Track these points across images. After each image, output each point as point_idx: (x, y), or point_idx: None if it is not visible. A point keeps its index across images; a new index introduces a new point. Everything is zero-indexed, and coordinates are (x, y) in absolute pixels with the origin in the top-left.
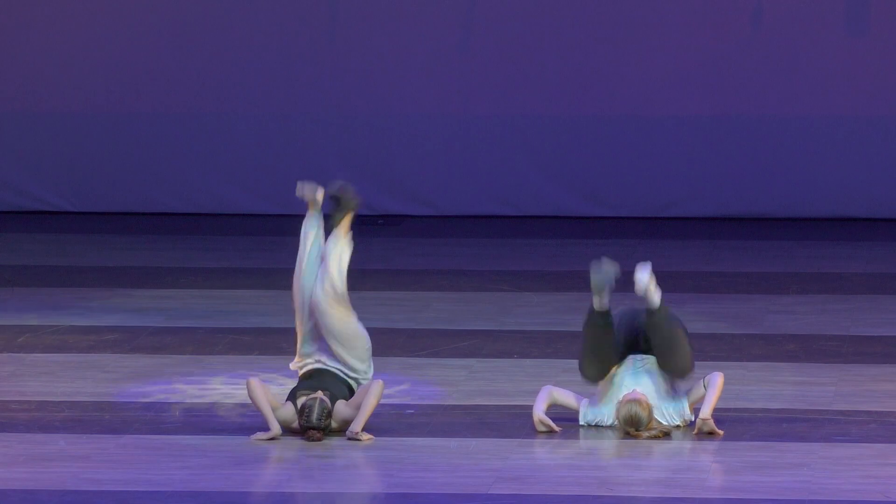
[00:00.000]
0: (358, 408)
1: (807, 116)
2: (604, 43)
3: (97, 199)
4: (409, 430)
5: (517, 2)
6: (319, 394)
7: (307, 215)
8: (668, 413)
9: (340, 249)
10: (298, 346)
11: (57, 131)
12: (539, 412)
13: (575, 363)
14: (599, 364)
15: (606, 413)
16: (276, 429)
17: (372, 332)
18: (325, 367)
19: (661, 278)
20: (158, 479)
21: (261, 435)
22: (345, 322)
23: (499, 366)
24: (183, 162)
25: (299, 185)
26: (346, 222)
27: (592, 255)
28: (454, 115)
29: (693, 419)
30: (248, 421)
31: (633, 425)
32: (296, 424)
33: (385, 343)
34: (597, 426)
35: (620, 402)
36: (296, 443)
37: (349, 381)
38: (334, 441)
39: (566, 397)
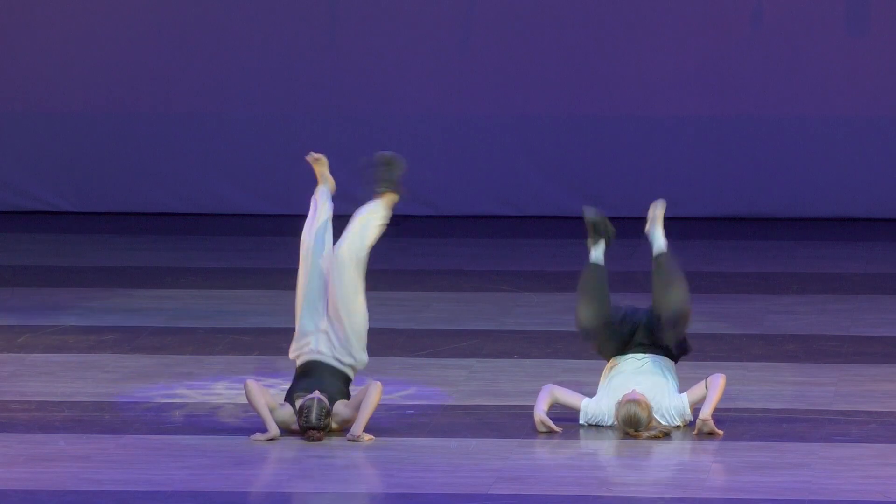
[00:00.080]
0: (356, 408)
1: (807, 116)
2: (604, 43)
3: (97, 199)
4: (409, 430)
5: (517, 2)
6: (317, 393)
7: (318, 188)
8: (668, 413)
9: (377, 221)
10: (297, 320)
11: (57, 131)
12: (540, 412)
13: (575, 363)
14: (593, 309)
15: (606, 412)
16: (274, 430)
17: (372, 332)
18: (321, 358)
19: None
20: (158, 479)
21: (259, 436)
22: (354, 288)
23: (499, 366)
24: (183, 162)
25: (311, 155)
26: (388, 200)
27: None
28: (454, 115)
29: (693, 420)
30: (248, 421)
31: (632, 426)
32: (295, 426)
33: (385, 343)
34: (597, 426)
35: (619, 403)
36: (296, 443)
37: (345, 370)
38: (334, 441)
39: (568, 396)
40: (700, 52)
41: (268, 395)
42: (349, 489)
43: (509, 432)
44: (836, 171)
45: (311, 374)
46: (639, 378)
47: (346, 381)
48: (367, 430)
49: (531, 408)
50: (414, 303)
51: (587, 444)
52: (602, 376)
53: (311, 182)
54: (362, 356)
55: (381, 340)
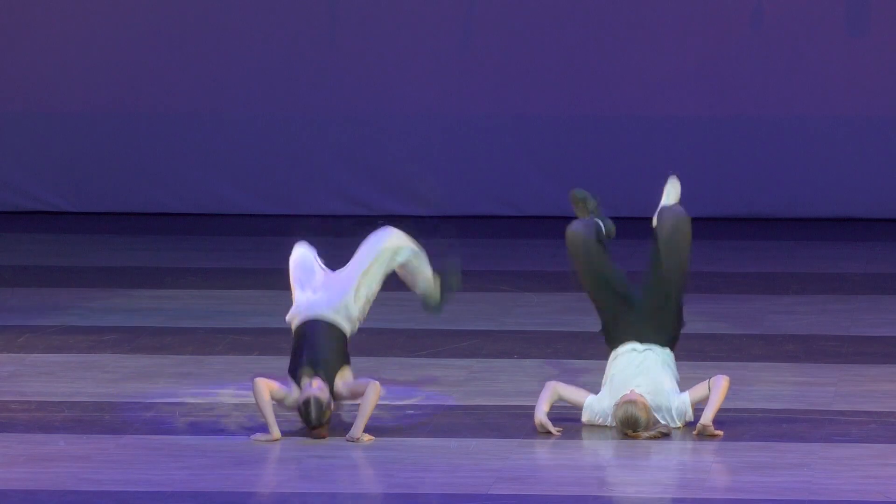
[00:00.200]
0: (356, 394)
1: (807, 116)
2: (604, 43)
3: (97, 199)
4: (409, 430)
5: (517, 2)
6: (314, 387)
7: None
8: (669, 415)
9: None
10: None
11: (57, 131)
12: (540, 415)
13: (576, 363)
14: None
15: (609, 412)
16: (275, 433)
17: (372, 332)
18: (318, 317)
19: None
20: (158, 479)
21: (260, 436)
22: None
23: (499, 366)
24: (183, 162)
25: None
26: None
27: None
28: (454, 115)
29: (695, 421)
30: (249, 421)
31: (630, 427)
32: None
33: (385, 343)
34: (600, 424)
35: (617, 405)
36: (296, 443)
37: (341, 324)
38: (334, 441)
39: (572, 393)
40: (700, 52)
41: (275, 389)
42: (349, 489)
43: (509, 432)
44: (836, 171)
45: (308, 338)
46: (638, 379)
47: (344, 340)
48: (366, 430)
49: (531, 408)
50: (414, 303)
51: (587, 444)
52: (606, 370)
53: (311, 182)
54: (358, 310)
55: (381, 340)
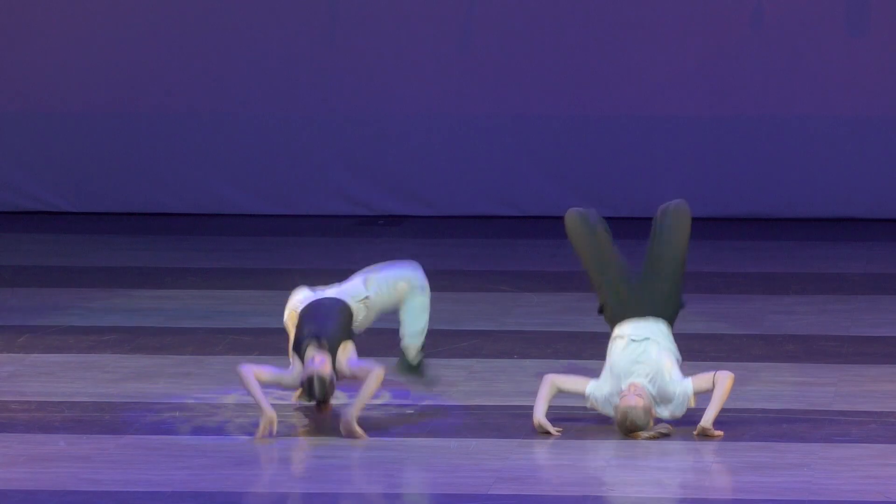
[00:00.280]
0: (357, 376)
1: (807, 116)
2: (604, 43)
3: (97, 199)
4: (409, 430)
5: (517, 2)
6: (317, 366)
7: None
8: (671, 404)
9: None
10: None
11: (57, 131)
12: (539, 416)
13: (576, 363)
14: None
15: (609, 399)
16: (268, 412)
17: (372, 332)
18: (325, 296)
19: None
20: (158, 479)
21: (260, 429)
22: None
23: (499, 366)
24: (183, 162)
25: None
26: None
27: None
28: (454, 115)
29: (698, 408)
30: (249, 422)
31: (629, 430)
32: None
33: (385, 343)
34: (601, 411)
35: (617, 406)
36: (296, 443)
37: (350, 304)
38: (334, 441)
39: (571, 383)
40: (700, 52)
41: (262, 373)
42: (349, 489)
43: (509, 432)
44: (836, 171)
45: (313, 312)
46: (639, 367)
47: (350, 316)
48: (365, 429)
49: (531, 408)
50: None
51: (587, 444)
52: (607, 351)
53: (311, 182)
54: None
55: (381, 340)
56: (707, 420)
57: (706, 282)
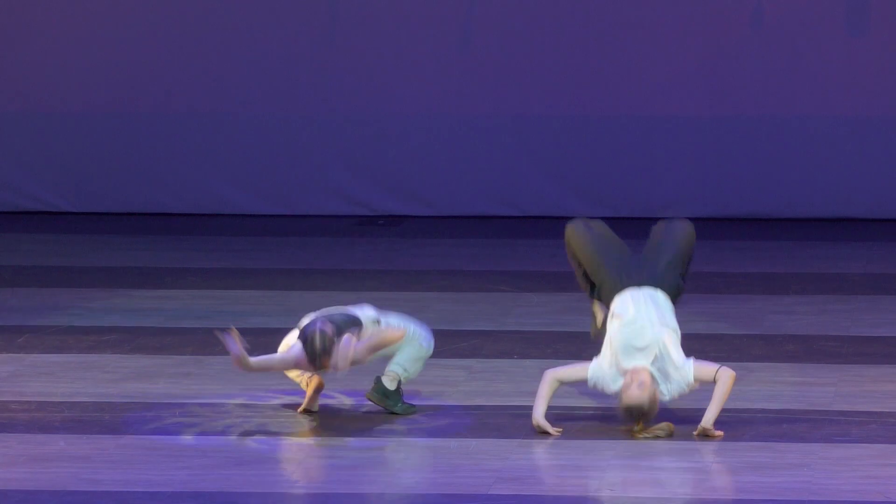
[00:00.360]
0: (370, 349)
1: (807, 116)
2: (604, 43)
3: (97, 199)
4: (410, 431)
5: (517, 2)
6: (318, 324)
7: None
8: (672, 385)
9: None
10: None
11: (57, 131)
12: (538, 417)
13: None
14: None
15: (611, 378)
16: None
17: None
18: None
19: None
20: (158, 479)
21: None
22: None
23: (499, 366)
24: (183, 162)
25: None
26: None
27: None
28: (454, 115)
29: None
30: (249, 422)
31: (634, 416)
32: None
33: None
34: (606, 390)
35: (623, 389)
36: (296, 443)
37: (355, 312)
38: (334, 441)
39: (571, 374)
40: (700, 52)
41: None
42: (349, 489)
43: (509, 432)
44: (836, 171)
45: (317, 315)
46: (639, 353)
47: (359, 326)
48: (365, 430)
49: (531, 408)
50: (414, 303)
51: (587, 444)
52: (606, 327)
53: (311, 182)
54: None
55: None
56: (707, 420)
57: (706, 282)
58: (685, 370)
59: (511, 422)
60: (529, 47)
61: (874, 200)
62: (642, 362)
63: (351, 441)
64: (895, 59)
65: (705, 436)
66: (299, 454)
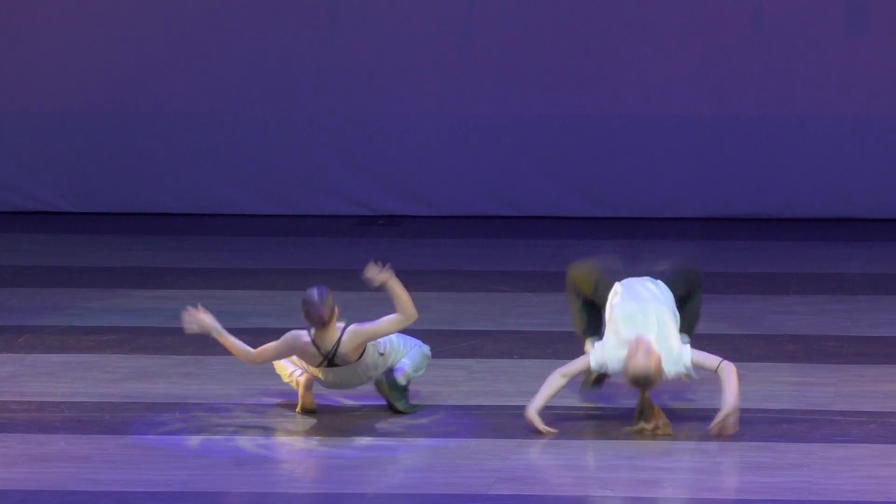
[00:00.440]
0: (368, 337)
1: (807, 116)
2: (604, 43)
3: (97, 199)
4: (409, 431)
5: (517, 2)
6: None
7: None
8: (668, 364)
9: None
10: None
11: (57, 131)
12: (531, 412)
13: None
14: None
15: (615, 360)
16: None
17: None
18: None
19: None
20: (158, 479)
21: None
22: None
23: (499, 366)
24: (183, 162)
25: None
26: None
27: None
28: (454, 115)
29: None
30: (249, 421)
31: (640, 383)
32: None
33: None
34: (612, 371)
35: (630, 355)
36: (296, 443)
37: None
38: (334, 441)
39: (576, 366)
40: (700, 52)
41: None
42: (349, 489)
43: (509, 432)
44: (836, 171)
45: None
46: (644, 318)
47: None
48: (365, 429)
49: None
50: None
51: (587, 444)
52: (606, 313)
53: (311, 182)
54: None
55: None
56: (728, 404)
57: (706, 282)
58: (683, 353)
59: (511, 422)
60: (529, 47)
61: (874, 200)
62: (645, 333)
63: (351, 441)
64: (895, 59)
65: (726, 425)
66: (299, 454)
